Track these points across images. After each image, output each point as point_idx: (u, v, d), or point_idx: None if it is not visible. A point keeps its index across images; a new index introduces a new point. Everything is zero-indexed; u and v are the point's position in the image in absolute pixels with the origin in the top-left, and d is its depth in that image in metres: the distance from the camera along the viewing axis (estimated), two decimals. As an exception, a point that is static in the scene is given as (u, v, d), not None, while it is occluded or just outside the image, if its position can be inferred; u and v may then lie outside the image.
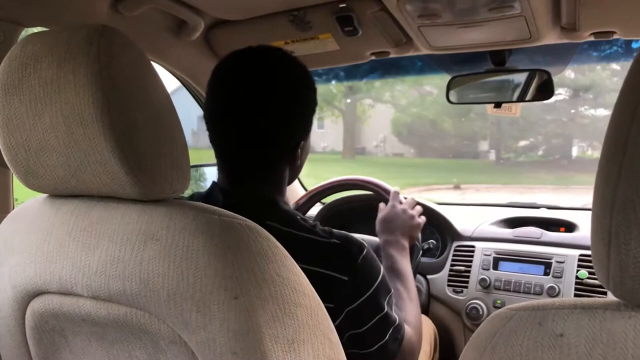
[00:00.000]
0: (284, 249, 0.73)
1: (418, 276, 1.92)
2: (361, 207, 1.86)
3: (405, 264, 1.28)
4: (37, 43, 0.72)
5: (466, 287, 1.86)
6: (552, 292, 1.68)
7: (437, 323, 1.84)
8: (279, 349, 0.66)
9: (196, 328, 0.66)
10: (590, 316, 0.51)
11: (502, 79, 1.64)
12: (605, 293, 1.63)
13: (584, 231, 1.85)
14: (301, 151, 1.04)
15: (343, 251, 0.93)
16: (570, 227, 1.93)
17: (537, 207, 2.20)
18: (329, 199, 1.99)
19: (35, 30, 1.20)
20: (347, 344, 0.94)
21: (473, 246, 1.91)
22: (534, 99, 1.63)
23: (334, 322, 0.81)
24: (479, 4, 1.23)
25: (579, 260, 1.72)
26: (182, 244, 0.67)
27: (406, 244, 1.35)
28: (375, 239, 1.47)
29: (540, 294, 1.71)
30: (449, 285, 1.89)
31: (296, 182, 2.25)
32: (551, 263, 1.75)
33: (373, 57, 1.62)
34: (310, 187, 1.92)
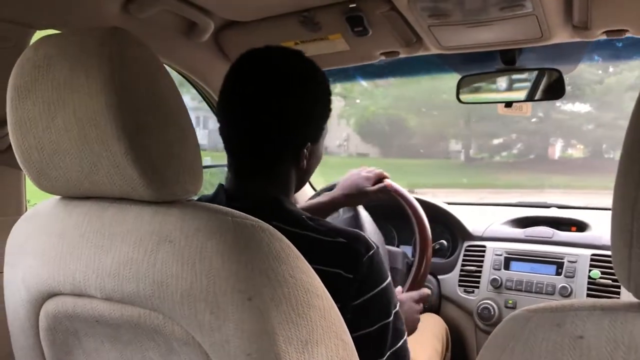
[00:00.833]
0: (296, 250, 0.73)
1: (429, 276, 1.91)
2: (371, 207, 1.85)
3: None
4: (49, 46, 0.72)
5: (477, 287, 1.85)
6: (565, 292, 1.68)
7: (448, 323, 1.84)
8: (293, 350, 0.66)
9: (210, 329, 0.66)
10: (611, 318, 0.50)
11: (513, 78, 1.63)
12: (618, 293, 1.62)
13: (596, 231, 1.84)
14: (308, 154, 1.04)
15: (349, 249, 0.92)
16: (581, 226, 1.92)
17: (548, 207, 2.19)
18: None
19: (46, 33, 1.22)
20: (360, 345, 0.90)
21: (484, 246, 1.90)
22: (545, 98, 1.62)
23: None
24: (489, 3, 1.23)
25: (591, 259, 1.71)
26: (195, 246, 0.67)
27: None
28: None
29: (552, 294, 1.70)
30: (460, 285, 1.89)
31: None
32: (563, 263, 1.74)
33: (383, 57, 1.62)
34: (319, 187, 1.92)
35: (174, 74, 1.72)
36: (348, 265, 0.91)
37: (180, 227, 0.69)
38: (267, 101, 0.98)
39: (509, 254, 1.85)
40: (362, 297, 0.91)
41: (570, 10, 1.27)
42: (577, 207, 2.21)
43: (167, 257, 0.68)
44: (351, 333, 0.86)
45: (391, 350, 0.94)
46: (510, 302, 1.77)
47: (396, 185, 1.60)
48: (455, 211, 2.03)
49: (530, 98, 1.65)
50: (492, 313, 1.78)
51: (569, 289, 1.68)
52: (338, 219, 1.59)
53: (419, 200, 1.67)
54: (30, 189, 1.01)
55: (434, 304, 1.93)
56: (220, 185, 1.05)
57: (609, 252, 1.67)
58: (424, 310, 1.87)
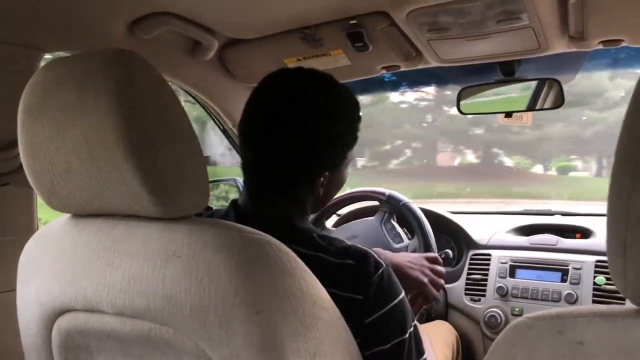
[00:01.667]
0: (303, 263, 0.74)
1: None
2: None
3: None
4: (57, 68, 0.74)
5: (484, 295, 1.85)
6: (570, 299, 1.68)
7: (456, 331, 1.84)
8: None
9: (219, 343, 0.67)
10: (610, 324, 0.51)
11: (513, 88, 1.64)
12: (623, 298, 1.62)
13: (600, 237, 1.84)
14: (325, 182, 1.01)
15: (357, 271, 0.89)
16: (585, 233, 1.92)
17: (552, 214, 2.19)
18: (345, 209, 2.01)
19: (54, 55, 1.24)
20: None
21: (489, 254, 1.91)
22: (544, 108, 1.64)
23: (355, 339, 0.81)
24: (487, 17, 1.24)
25: (596, 266, 1.71)
26: (203, 261, 0.68)
27: None
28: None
29: (558, 300, 1.71)
30: (466, 294, 1.89)
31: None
32: (568, 270, 1.74)
33: (384, 72, 1.64)
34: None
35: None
36: (358, 287, 0.88)
37: (187, 242, 0.70)
38: (289, 124, 0.96)
39: (514, 262, 1.85)
40: (374, 315, 0.88)
41: (566, 21, 1.29)
42: (581, 214, 2.22)
43: (176, 273, 0.69)
44: (366, 350, 0.86)
45: None
46: (517, 309, 1.78)
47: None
48: (460, 220, 2.04)
49: (530, 108, 1.66)
50: (499, 321, 1.78)
51: (575, 296, 1.68)
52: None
53: (423, 210, 1.69)
54: (42, 206, 1.03)
55: (441, 313, 1.93)
56: (233, 201, 1.04)
57: None
58: (431, 319, 1.88)
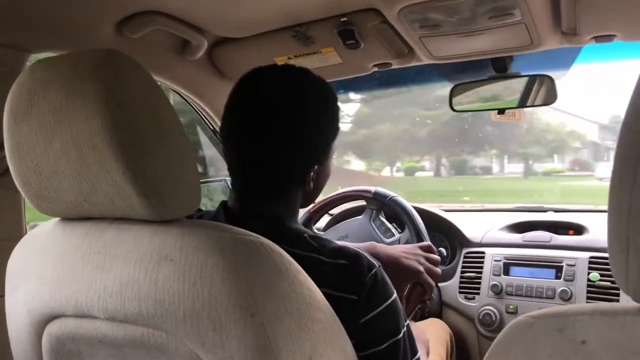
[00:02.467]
0: (297, 264, 0.73)
1: None
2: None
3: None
4: (44, 69, 0.73)
5: (478, 293, 1.85)
6: (565, 296, 1.68)
7: (450, 330, 1.84)
8: None
9: (213, 347, 0.66)
10: (611, 322, 0.51)
11: (505, 84, 1.64)
12: (617, 295, 1.63)
13: (593, 233, 1.84)
14: (315, 176, 1.01)
15: (350, 271, 0.89)
16: (579, 229, 1.93)
17: (545, 211, 2.20)
18: (337, 209, 2.01)
19: (41, 56, 1.22)
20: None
21: (483, 252, 1.91)
22: (537, 104, 1.64)
23: (350, 340, 0.80)
24: (479, 13, 1.24)
25: (590, 262, 1.71)
26: (195, 264, 0.67)
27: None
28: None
29: (552, 297, 1.71)
30: (460, 292, 1.89)
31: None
32: (562, 266, 1.74)
33: (376, 69, 1.63)
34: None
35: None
36: (351, 288, 0.88)
37: (180, 245, 0.69)
38: (272, 121, 0.95)
39: (508, 260, 1.85)
40: (368, 315, 0.88)
41: (558, 17, 1.28)
42: (574, 210, 2.22)
43: (168, 276, 0.68)
44: (361, 352, 0.86)
45: None
46: (512, 307, 1.78)
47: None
48: (453, 218, 2.04)
49: (523, 104, 1.66)
50: (494, 319, 1.78)
51: (569, 293, 1.68)
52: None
53: (416, 208, 1.69)
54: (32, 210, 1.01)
55: (436, 311, 1.93)
56: (223, 203, 1.03)
57: (607, 255, 1.67)
58: (425, 317, 1.88)
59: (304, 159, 0.99)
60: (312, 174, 0.99)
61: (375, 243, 1.27)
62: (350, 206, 2.00)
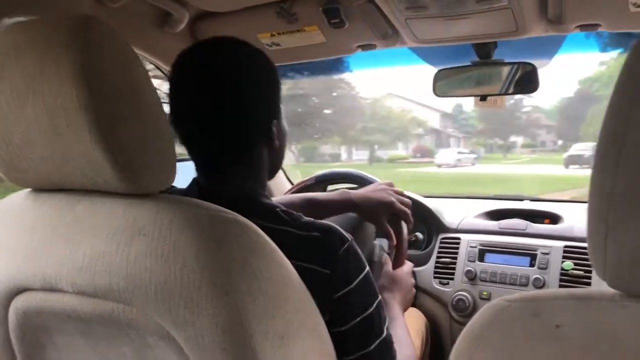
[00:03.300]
0: (273, 243, 0.72)
1: None
2: None
3: (402, 316, 1.26)
4: (18, 33, 0.70)
5: (452, 279, 1.86)
6: (538, 284, 1.70)
7: (424, 315, 1.85)
8: (269, 344, 0.66)
9: (185, 324, 0.65)
10: (586, 307, 0.51)
11: (488, 71, 1.64)
12: (589, 284, 1.65)
13: (568, 223, 1.86)
14: (277, 132, 1.01)
15: (323, 243, 0.90)
16: (554, 219, 1.95)
17: (522, 200, 2.22)
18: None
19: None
20: (345, 338, 0.89)
21: (459, 238, 1.92)
22: (519, 92, 1.64)
23: (324, 317, 0.80)
24: (466, -4, 1.23)
25: (564, 251, 1.73)
26: (169, 239, 0.66)
27: (404, 303, 1.35)
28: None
29: (525, 285, 1.72)
30: (435, 277, 1.90)
31: (282, 175, 2.24)
32: (536, 254, 1.76)
33: (360, 50, 1.61)
34: (295, 182, 1.92)
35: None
36: (324, 261, 0.88)
37: (154, 220, 0.68)
38: (220, 84, 0.95)
39: (483, 246, 1.86)
40: (342, 291, 0.89)
41: (545, 4, 1.28)
42: (550, 200, 2.25)
43: (140, 251, 0.67)
44: (334, 328, 0.87)
45: (379, 340, 0.92)
46: (485, 293, 1.79)
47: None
48: (431, 204, 2.04)
49: (504, 92, 1.66)
50: (467, 304, 1.79)
51: (542, 280, 1.70)
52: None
53: None
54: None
55: None
56: (194, 180, 1.02)
57: (581, 244, 1.71)
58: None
59: (261, 112, 0.99)
60: (274, 128, 1.00)
61: (347, 190, 1.35)
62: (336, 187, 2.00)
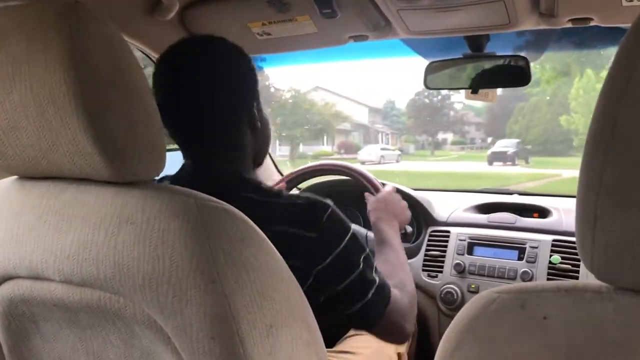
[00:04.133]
0: (262, 232, 0.72)
1: None
2: (339, 192, 1.86)
3: (395, 237, 1.33)
4: (4, 18, 0.69)
5: (441, 271, 1.87)
6: (526, 277, 1.71)
7: None
8: (257, 333, 0.66)
9: (172, 313, 0.65)
10: (573, 299, 0.51)
11: (480, 64, 1.64)
12: (577, 278, 1.66)
13: (557, 217, 1.87)
14: (258, 113, 1.07)
15: (308, 209, 0.95)
16: (543, 212, 1.96)
17: (511, 193, 2.23)
18: (304, 185, 2.00)
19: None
20: (329, 305, 0.96)
21: (448, 231, 1.92)
22: (510, 85, 1.64)
23: (304, 284, 0.83)
24: (458, -12, 1.23)
25: (552, 245, 1.74)
26: (157, 228, 0.66)
27: (397, 224, 1.41)
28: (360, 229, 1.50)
29: (514, 278, 1.73)
30: (424, 270, 1.90)
31: (271, 166, 2.23)
32: (525, 248, 1.77)
33: (352, 41, 1.60)
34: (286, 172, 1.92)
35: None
36: (309, 225, 0.94)
37: (142, 208, 0.68)
38: (197, 74, 1.01)
39: (472, 239, 1.87)
40: (329, 256, 0.94)
41: (537, -3, 1.28)
42: (539, 194, 2.26)
43: (128, 239, 0.66)
44: (321, 294, 0.94)
45: (362, 302, 0.98)
46: (473, 286, 1.80)
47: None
48: (420, 196, 2.05)
49: (496, 85, 1.66)
50: (455, 297, 1.80)
51: (530, 274, 1.71)
52: None
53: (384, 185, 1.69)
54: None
55: None
56: (183, 165, 1.06)
57: (569, 238, 1.72)
58: None
59: (240, 95, 1.04)
60: (254, 110, 1.05)
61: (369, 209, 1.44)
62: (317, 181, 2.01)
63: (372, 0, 1.35)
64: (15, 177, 0.82)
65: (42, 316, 0.78)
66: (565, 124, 18.57)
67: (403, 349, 1.55)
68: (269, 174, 2.17)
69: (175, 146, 1.07)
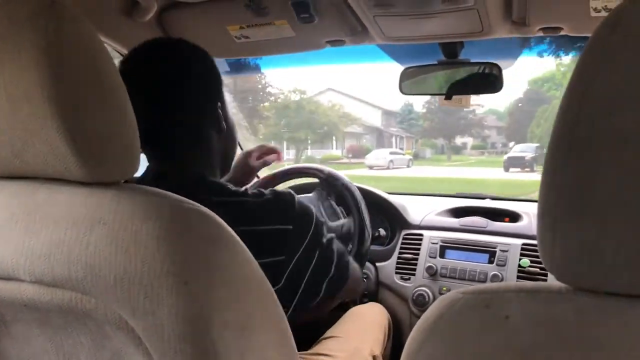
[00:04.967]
0: (235, 234, 0.72)
1: (367, 263, 1.94)
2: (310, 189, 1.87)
3: None
4: None
5: (413, 274, 1.89)
6: (496, 280, 1.74)
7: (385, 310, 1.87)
8: (229, 335, 0.66)
9: (144, 314, 0.64)
10: (535, 299, 0.52)
11: (454, 71, 1.66)
12: (545, 280, 1.69)
13: (527, 221, 1.91)
14: (223, 115, 1.08)
15: (278, 203, 0.98)
16: (514, 217, 1.99)
17: (483, 198, 2.26)
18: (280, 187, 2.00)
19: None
20: (311, 278, 1.02)
21: (421, 235, 1.95)
22: (483, 92, 1.67)
23: (284, 272, 0.90)
24: (433, -4, 1.24)
25: (522, 249, 1.78)
26: (130, 229, 0.65)
27: None
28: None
29: (484, 281, 1.76)
30: (397, 273, 1.92)
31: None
32: (495, 252, 1.80)
33: (329, 46, 1.62)
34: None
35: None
36: (283, 218, 0.97)
37: (115, 209, 0.67)
38: (157, 75, 1.02)
39: (444, 243, 1.89)
40: (305, 241, 0.99)
41: (510, 6, 1.31)
42: (510, 199, 2.30)
43: (100, 240, 0.66)
44: (303, 276, 1.00)
45: (334, 265, 1.07)
46: (445, 288, 1.82)
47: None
48: (395, 200, 2.06)
49: (469, 91, 1.69)
50: (427, 300, 1.82)
51: (500, 277, 1.74)
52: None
53: (360, 189, 1.70)
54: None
55: (372, 291, 1.96)
56: (148, 167, 1.07)
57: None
58: (363, 299, 1.91)
59: (206, 99, 1.05)
60: (219, 111, 1.06)
61: None
62: (298, 182, 2.01)
63: (349, 6, 1.36)
64: None
65: (12, 317, 0.77)
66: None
67: (378, 351, 1.57)
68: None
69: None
